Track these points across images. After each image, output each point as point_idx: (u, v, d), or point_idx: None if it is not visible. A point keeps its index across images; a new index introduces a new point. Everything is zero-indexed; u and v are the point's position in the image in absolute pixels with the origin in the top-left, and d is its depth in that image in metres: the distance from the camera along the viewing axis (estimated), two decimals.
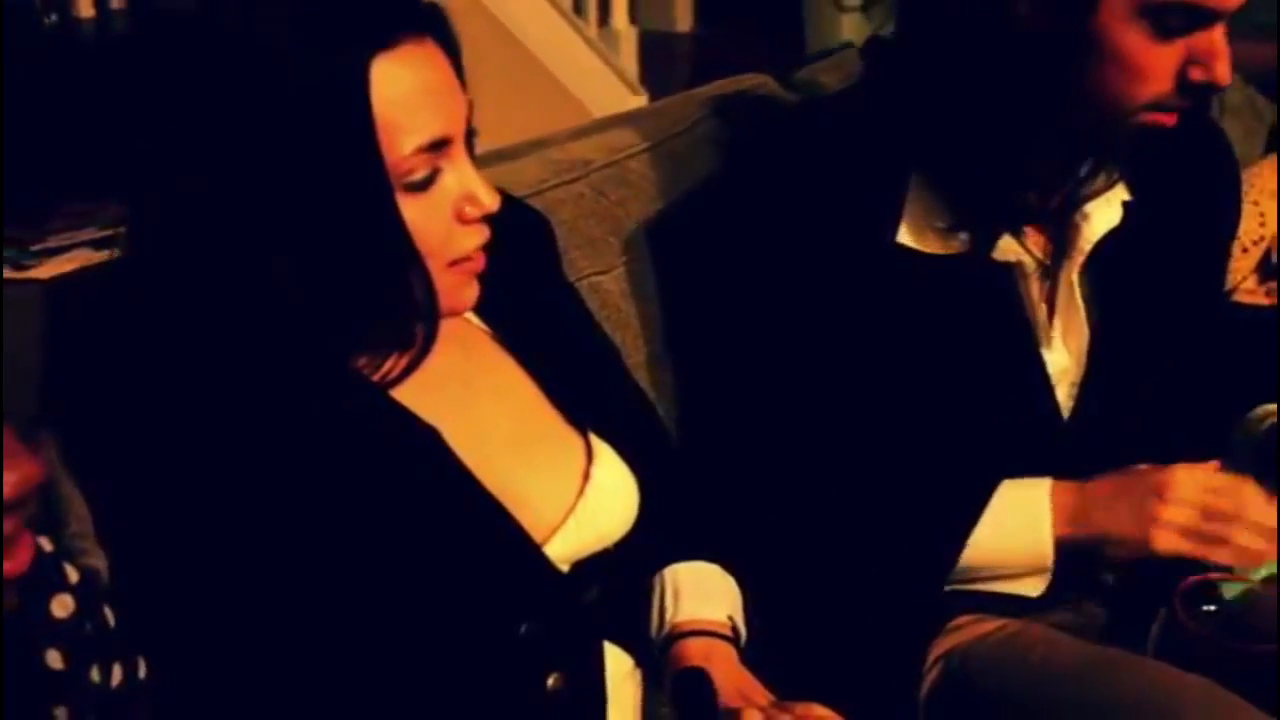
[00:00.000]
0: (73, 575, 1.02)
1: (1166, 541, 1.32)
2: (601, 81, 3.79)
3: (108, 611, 1.05)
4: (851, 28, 4.10)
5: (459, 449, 1.16)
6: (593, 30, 3.93)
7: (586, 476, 1.22)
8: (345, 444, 1.12)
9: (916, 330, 1.36)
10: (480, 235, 1.14)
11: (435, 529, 1.14)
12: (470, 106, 1.13)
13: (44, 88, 2.99)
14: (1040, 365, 1.39)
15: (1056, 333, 1.40)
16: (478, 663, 1.16)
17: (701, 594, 1.27)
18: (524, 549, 1.17)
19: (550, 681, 1.18)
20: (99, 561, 1.15)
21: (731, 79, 1.69)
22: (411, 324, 1.13)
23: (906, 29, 1.37)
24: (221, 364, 1.10)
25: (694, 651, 1.23)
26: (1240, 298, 1.76)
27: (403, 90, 1.07)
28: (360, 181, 1.07)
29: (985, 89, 1.29)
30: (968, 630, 1.38)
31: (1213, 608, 1.32)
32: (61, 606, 1.00)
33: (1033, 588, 1.37)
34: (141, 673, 1.06)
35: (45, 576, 0.99)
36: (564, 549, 1.20)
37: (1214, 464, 1.38)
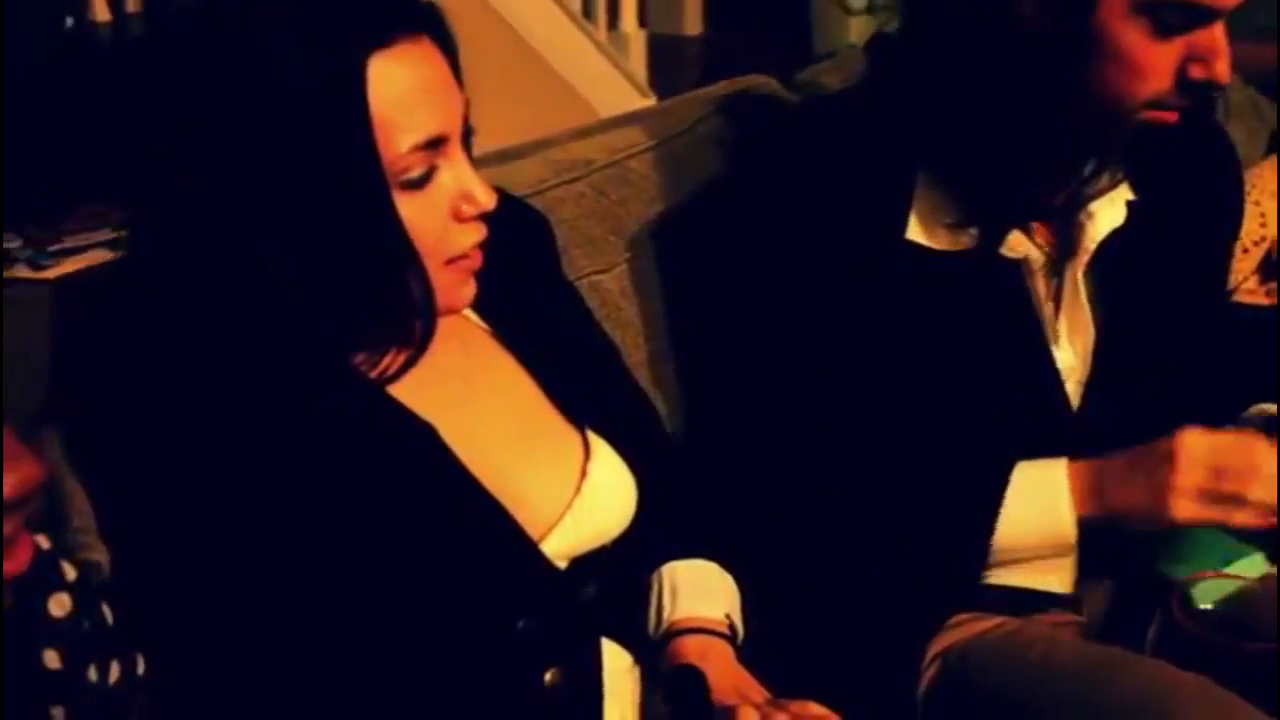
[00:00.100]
0: (70, 573, 1.03)
1: (1184, 510, 1.31)
2: (610, 84, 3.79)
3: (105, 609, 1.06)
4: (858, 30, 4.11)
5: (456, 446, 1.16)
6: (602, 33, 3.94)
7: (584, 474, 1.22)
8: (342, 440, 1.13)
9: (926, 326, 1.36)
10: (477, 233, 1.15)
11: (431, 525, 1.14)
12: (467, 105, 1.13)
13: (59, 90, 3.01)
14: (1050, 359, 1.40)
15: (1063, 332, 1.40)
16: (475, 657, 1.16)
17: (699, 592, 1.27)
18: (519, 545, 1.17)
19: (548, 677, 1.18)
20: (101, 556, 1.16)
21: (733, 80, 1.70)
22: (409, 321, 1.13)
23: (911, 26, 1.37)
24: (220, 361, 1.11)
25: (690, 649, 1.23)
26: (1241, 298, 1.76)
27: (399, 89, 1.08)
28: (357, 179, 1.07)
29: (989, 86, 1.29)
30: (966, 628, 1.38)
31: (1209, 607, 1.33)
32: (59, 606, 1.01)
33: (1060, 581, 1.37)
34: (140, 669, 1.07)
35: (43, 576, 1.00)
36: (561, 546, 1.21)
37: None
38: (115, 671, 1.04)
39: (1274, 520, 1.32)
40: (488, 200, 1.13)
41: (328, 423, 1.13)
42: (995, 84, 1.29)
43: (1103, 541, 1.37)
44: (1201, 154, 1.49)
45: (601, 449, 1.25)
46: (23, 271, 2.55)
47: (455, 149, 1.12)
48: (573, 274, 1.44)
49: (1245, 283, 1.78)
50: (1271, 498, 1.31)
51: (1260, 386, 1.49)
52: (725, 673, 1.22)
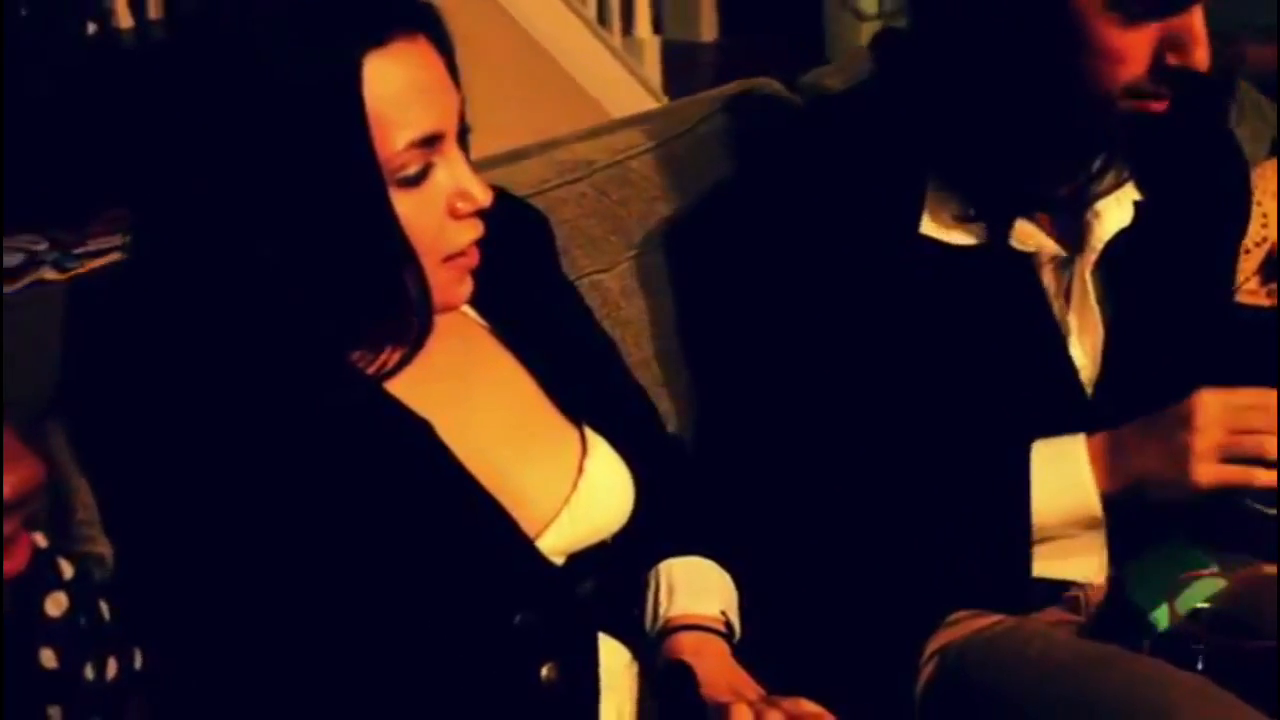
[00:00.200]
0: (67, 571, 1.03)
1: (1205, 473, 1.30)
2: (625, 90, 3.80)
3: (103, 605, 1.06)
4: (870, 36, 4.10)
5: (453, 442, 1.17)
6: (616, 39, 3.95)
7: (581, 470, 1.23)
8: (339, 436, 1.14)
9: (941, 319, 1.37)
10: (473, 230, 1.16)
11: (426, 520, 1.15)
12: (463, 103, 1.15)
13: (82, 95, 3.04)
14: (1065, 351, 1.40)
15: (1073, 331, 1.41)
16: (472, 652, 1.17)
17: (696, 589, 1.28)
18: (514, 541, 1.18)
19: (544, 672, 1.19)
20: (105, 549, 1.17)
21: (736, 83, 1.70)
22: (406, 318, 1.15)
23: (916, 22, 1.40)
24: (219, 357, 1.12)
25: (686, 646, 1.24)
26: (1242, 298, 1.76)
27: (395, 87, 1.09)
28: (354, 177, 1.09)
29: (986, 77, 1.31)
30: (964, 625, 1.38)
31: (1206, 605, 1.33)
32: (55, 605, 1.01)
33: (1091, 567, 1.37)
34: (137, 663, 1.07)
35: (40, 575, 1.01)
36: (558, 541, 1.22)
37: None
38: (112, 667, 1.05)
39: None
40: (484, 197, 1.14)
41: (325, 418, 1.14)
42: (991, 75, 1.31)
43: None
44: (1209, 155, 1.50)
45: (599, 446, 1.25)
46: (49, 274, 2.57)
47: (451, 146, 1.13)
48: (574, 273, 1.45)
49: (1247, 283, 1.78)
50: None
51: (1261, 388, 1.49)
52: (720, 670, 1.23)
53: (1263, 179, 1.83)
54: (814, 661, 1.31)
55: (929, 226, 1.37)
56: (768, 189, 1.41)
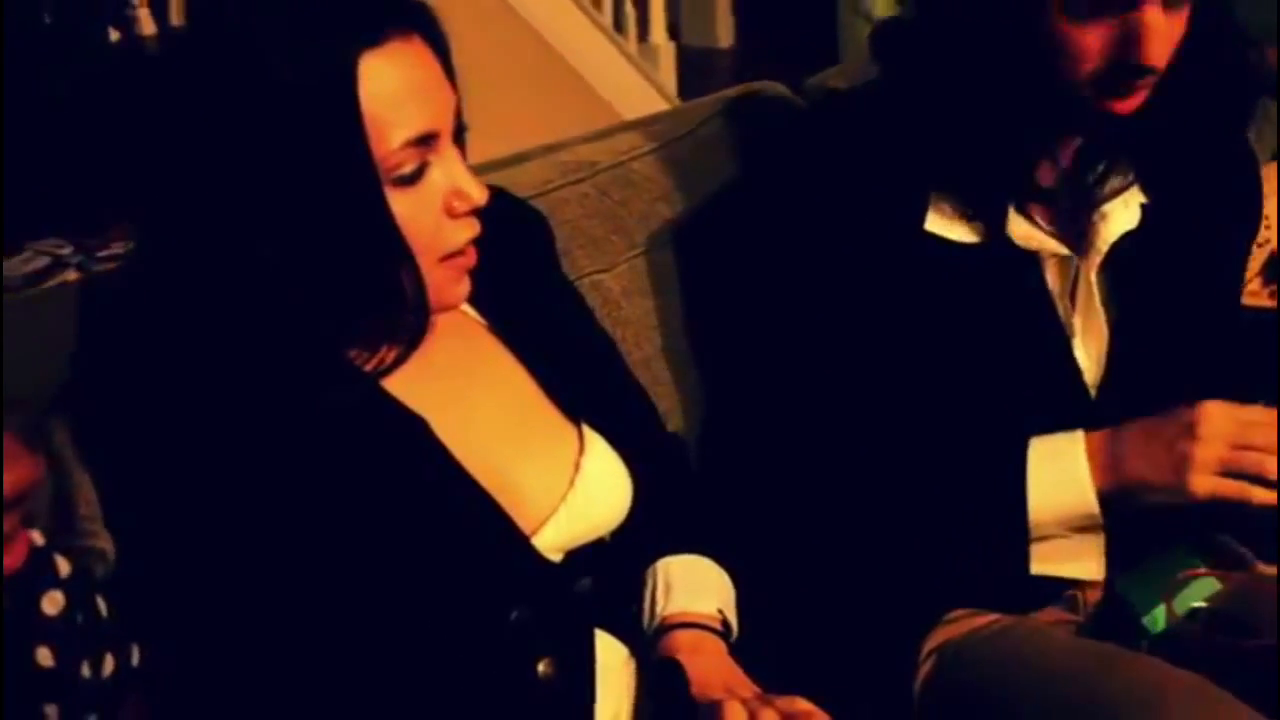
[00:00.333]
0: (64, 569, 1.03)
1: (1203, 484, 1.30)
2: (640, 95, 3.81)
3: (100, 602, 1.06)
4: None
5: (450, 439, 1.18)
6: (632, 45, 3.96)
7: (577, 467, 1.24)
8: (337, 433, 1.15)
9: (946, 317, 1.38)
10: (470, 229, 1.17)
11: (422, 517, 1.16)
12: (459, 102, 1.16)
13: (105, 101, 3.07)
14: (1069, 350, 1.40)
15: (1078, 333, 1.41)
16: (468, 648, 1.17)
17: (693, 587, 1.28)
18: (510, 537, 1.19)
19: (540, 668, 1.19)
20: (107, 544, 1.18)
21: (740, 86, 1.71)
22: (403, 317, 1.15)
23: (915, 15, 1.42)
24: (218, 355, 1.13)
25: (683, 644, 1.24)
26: (1244, 300, 1.76)
27: (390, 86, 1.10)
28: (350, 176, 1.10)
29: (970, 67, 1.33)
30: (962, 624, 1.38)
31: (1204, 604, 1.33)
32: (52, 604, 1.01)
33: (1090, 566, 1.37)
34: (134, 661, 1.08)
35: (37, 573, 1.01)
36: (555, 538, 1.22)
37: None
38: (109, 665, 1.05)
39: None
40: (479, 195, 1.15)
41: (322, 416, 1.15)
42: (973, 65, 1.33)
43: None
44: (1222, 159, 1.49)
45: (596, 443, 1.26)
46: (74, 276, 2.59)
47: (447, 145, 1.14)
48: (575, 273, 1.45)
49: (1249, 285, 1.78)
50: None
51: (1262, 388, 1.49)
52: (715, 668, 1.23)
53: (1265, 181, 1.83)
54: (812, 659, 1.32)
55: (933, 223, 1.37)
56: (773, 186, 1.42)
